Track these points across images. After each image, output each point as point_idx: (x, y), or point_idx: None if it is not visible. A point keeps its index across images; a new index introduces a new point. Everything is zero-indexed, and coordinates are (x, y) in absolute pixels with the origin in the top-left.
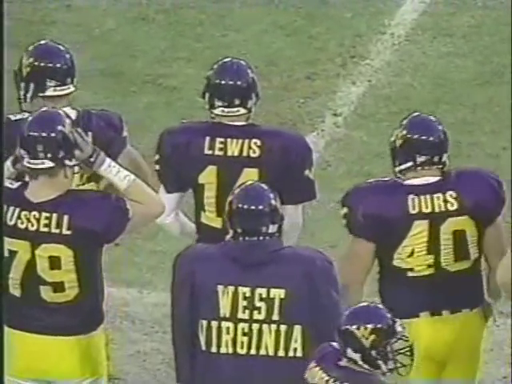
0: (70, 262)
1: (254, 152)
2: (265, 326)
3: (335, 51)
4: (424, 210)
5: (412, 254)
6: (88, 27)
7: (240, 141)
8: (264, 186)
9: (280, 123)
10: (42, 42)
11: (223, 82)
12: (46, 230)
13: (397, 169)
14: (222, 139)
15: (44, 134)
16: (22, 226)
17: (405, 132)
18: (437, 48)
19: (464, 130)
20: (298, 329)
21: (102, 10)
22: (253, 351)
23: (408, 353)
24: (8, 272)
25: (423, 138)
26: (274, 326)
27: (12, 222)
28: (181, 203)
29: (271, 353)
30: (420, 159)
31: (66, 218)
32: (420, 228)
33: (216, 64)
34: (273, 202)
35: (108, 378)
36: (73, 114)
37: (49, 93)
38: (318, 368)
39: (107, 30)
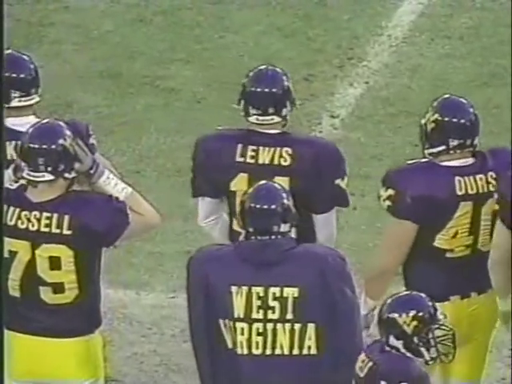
0: (70, 262)
1: (285, 160)
2: (279, 326)
3: (333, 53)
4: (470, 192)
5: (456, 235)
6: (86, 29)
7: (272, 149)
8: (276, 185)
9: None
10: (6, 52)
11: (258, 90)
12: (46, 229)
13: (427, 151)
14: (254, 147)
15: (45, 147)
16: (23, 226)
17: (437, 115)
18: (435, 49)
19: None
20: (311, 327)
21: (100, 12)
22: (268, 351)
23: (449, 340)
24: (8, 273)
25: (455, 121)
26: (288, 325)
27: (12, 222)
28: (219, 210)
29: (286, 352)
30: (453, 143)
31: (66, 218)
32: (465, 209)
33: (251, 71)
34: (285, 201)
35: (105, 380)
36: None
37: (13, 104)
38: (363, 354)
39: (105, 31)
